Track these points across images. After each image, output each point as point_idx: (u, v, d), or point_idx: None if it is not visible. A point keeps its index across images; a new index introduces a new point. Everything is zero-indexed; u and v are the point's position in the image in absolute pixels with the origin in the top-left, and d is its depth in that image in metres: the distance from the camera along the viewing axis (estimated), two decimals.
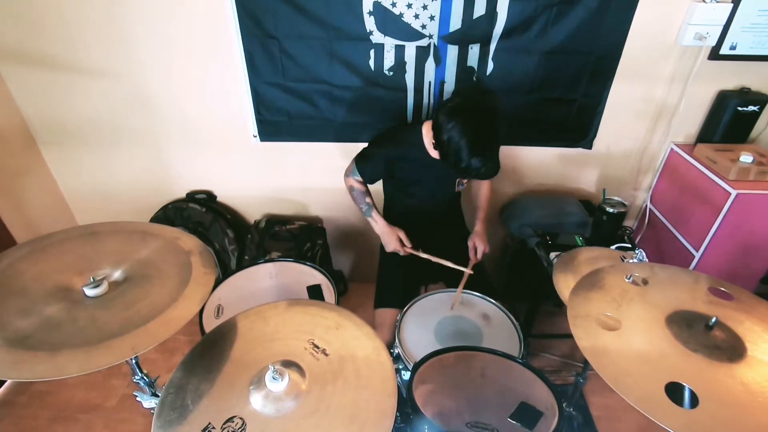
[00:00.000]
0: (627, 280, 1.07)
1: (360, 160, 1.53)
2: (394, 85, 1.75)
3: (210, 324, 1.25)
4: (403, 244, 1.53)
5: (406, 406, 0.96)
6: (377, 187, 1.66)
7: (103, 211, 2.12)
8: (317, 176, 2.03)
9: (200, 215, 2.00)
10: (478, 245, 1.54)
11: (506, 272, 2.18)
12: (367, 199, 1.56)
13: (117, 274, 1.01)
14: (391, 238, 1.53)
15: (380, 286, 1.60)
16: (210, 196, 2.09)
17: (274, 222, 2.06)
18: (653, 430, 0.95)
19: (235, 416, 0.76)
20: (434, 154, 1.43)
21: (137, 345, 0.83)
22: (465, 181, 1.56)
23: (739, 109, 1.75)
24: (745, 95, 1.76)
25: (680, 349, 0.88)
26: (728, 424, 0.75)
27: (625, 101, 1.82)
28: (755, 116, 1.78)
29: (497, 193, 2.04)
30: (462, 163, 1.26)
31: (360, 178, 1.55)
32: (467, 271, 1.43)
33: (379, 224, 1.55)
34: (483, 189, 1.67)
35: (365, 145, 1.59)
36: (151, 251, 1.08)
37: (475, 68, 1.71)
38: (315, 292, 1.35)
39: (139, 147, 1.94)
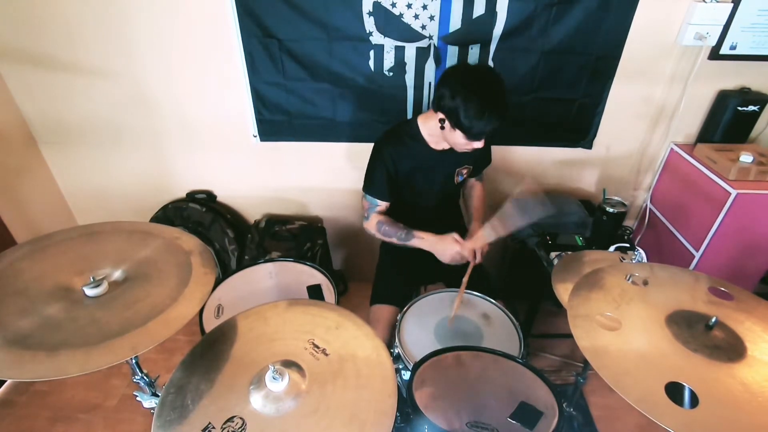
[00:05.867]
0: (627, 281, 1.07)
1: (367, 187, 1.46)
2: (394, 86, 1.75)
3: (210, 324, 1.25)
4: (461, 246, 1.35)
5: (406, 406, 0.96)
6: None
7: (103, 211, 2.13)
8: (317, 176, 2.03)
9: (200, 215, 2.00)
10: (478, 248, 1.44)
11: (506, 272, 2.18)
12: (399, 225, 1.43)
13: (117, 274, 1.01)
14: (447, 246, 1.36)
15: (377, 282, 1.59)
16: (210, 196, 2.09)
17: (274, 222, 2.07)
18: (653, 430, 0.95)
19: (235, 416, 0.76)
20: (431, 142, 1.42)
21: (137, 345, 0.83)
22: (464, 171, 1.55)
23: (739, 108, 1.75)
24: (745, 95, 1.75)
25: (680, 349, 0.88)
26: (728, 424, 0.75)
27: (625, 101, 1.82)
28: (755, 116, 1.78)
29: (497, 192, 2.04)
30: (464, 123, 1.22)
31: (379, 207, 1.45)
32: (465, 279, 1.37)
33: (427, 239, 1.40)
34: (476, 189, 1.66)
35: (365, 144, 1.58)
36: (151, 251, 1.08)
37: None
38: (315, 292, 1.35)
39: (139, 147, 1.95)
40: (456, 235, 1.37)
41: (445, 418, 0.93)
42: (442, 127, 1.31)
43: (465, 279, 1.38)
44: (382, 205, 1.46)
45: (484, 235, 1.35)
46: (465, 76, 1.28)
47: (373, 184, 1.45)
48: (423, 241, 1.41)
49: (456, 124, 1.25)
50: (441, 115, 1.28)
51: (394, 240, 1.45)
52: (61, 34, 1.66)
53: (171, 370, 0.83)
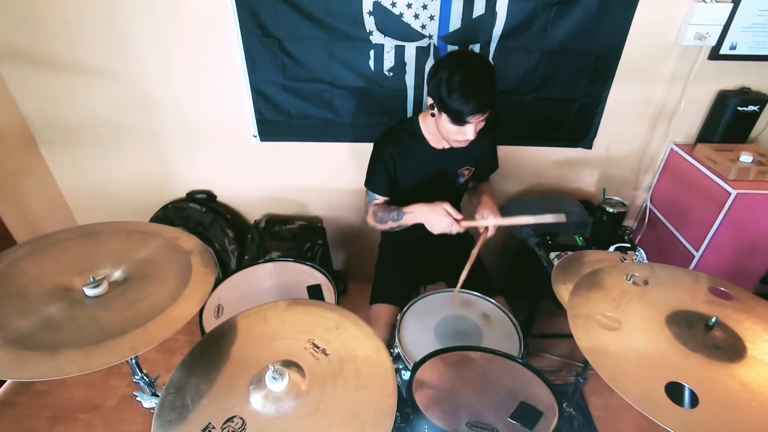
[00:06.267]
0: (627, 281, 1.07)
1: (368, 183, 1.47)
2: (395, 86, 1.75)
3: (210, 324, 1.24)
4: (453, 218, 1.29)
5: (406, 406, 0.96)
6: None
7: (103, 211, 2.12)
8: (317, 176, 2.03)
9: (200, 215, 2.00)
10: (487, 216, 1.35)
11: (506, 272, 2.18)
12: (390, 207, 1.42)
13: (117, 274, 1.01)
14: (438, 216, 1.29)
15: (377, 282, 1.59)
16: (210, 196, 2.09)
17: (274, 222, 2.07)
18: (653, 430, 0.95)
19: (235, 416, 0.76)
20: (432, 141, 1.42)
21: (137, 345, 0.83)
22: (466, 172, 1.54)
23: (739, 108, 1.75)
24: (745, 95, 1.76)
25: (680, 349, 0.88)
26: (728, 424, 0.75)
27: (625, 101, 1.82)
28: (755, 116, 1.78)
29: (497, 192, 2.04)
30: (446, 102, 1.19)
31: (377, 200, 1.46)
32: (475, 251, 1.34)
33: (417, 211, 1.34)
34: (484, 184, 1.64)
35: (365, 144, 1.59)
36: (151, 251, 1.08)
37: None
38: (315, 292, 1.35)
39: (139, 147, 1.94)
40: (447, 205, 1.30)
41: (445, 418, 0.93)
42: (433, 114, 1.30)
43: (474, 252, 1.35)
44: (380, 199, 1.47)
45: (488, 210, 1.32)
46: (453, 55, 1.28)
47: (373, 181, 1.46)
48: (412, 214, 1.36)
49: (440, 105, 1.22)
50: (431, 101, 1.27)
51: (390, 224, 1.42)
52: (61, 34, 1.66)
53: (171, 370, 0.83)
